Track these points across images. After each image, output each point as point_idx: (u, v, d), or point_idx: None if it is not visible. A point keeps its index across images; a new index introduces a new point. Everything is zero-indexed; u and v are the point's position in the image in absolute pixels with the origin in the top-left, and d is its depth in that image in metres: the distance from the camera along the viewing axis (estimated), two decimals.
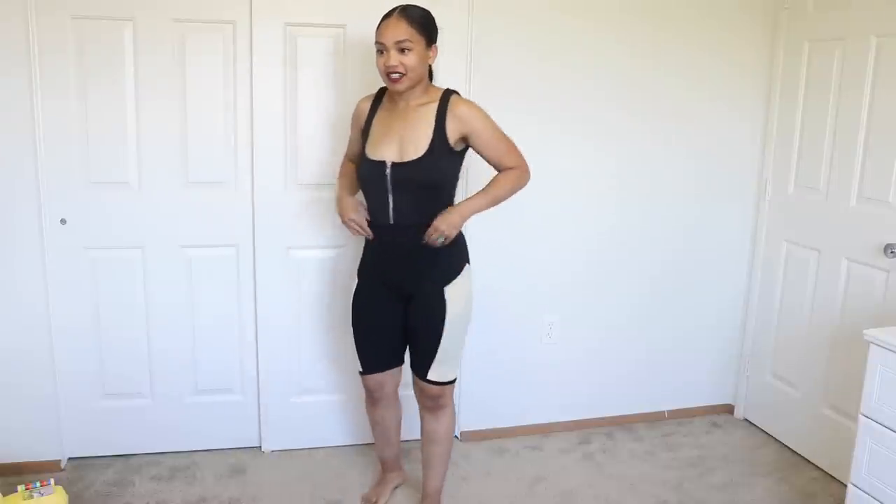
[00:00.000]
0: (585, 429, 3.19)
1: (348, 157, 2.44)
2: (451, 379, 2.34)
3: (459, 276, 2.26)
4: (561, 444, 3.07)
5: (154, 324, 2.76)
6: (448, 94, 2.19)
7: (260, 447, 2.93)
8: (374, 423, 2.55)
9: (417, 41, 2.09)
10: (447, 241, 2.17)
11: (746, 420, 3.32)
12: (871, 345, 2.15)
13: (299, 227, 2.75)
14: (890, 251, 2.53)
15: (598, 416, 3.22)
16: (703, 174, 3.12)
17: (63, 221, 2.61)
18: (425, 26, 2.12)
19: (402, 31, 2.07)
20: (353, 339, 2.40)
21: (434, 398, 2.34)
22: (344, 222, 2.29)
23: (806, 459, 2.96)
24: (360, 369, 2.42)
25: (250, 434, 2.93)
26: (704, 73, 3.02)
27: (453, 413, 2.43)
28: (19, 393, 2.65)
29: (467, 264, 2.31)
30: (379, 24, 2.12)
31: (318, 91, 2.67)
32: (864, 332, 2.18)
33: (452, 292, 2.24)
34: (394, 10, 2.12)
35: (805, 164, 2.94)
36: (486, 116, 2.19)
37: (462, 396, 3.05)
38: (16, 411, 2.66)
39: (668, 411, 3.31)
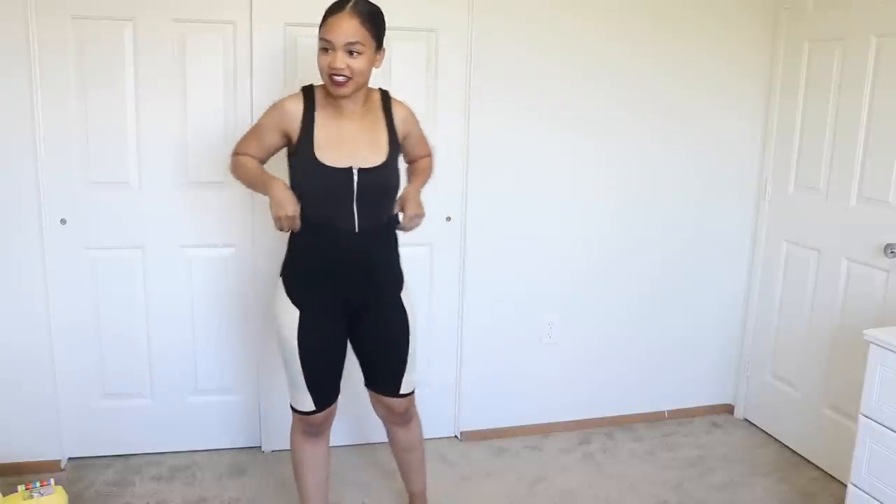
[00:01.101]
0: (585, 429, 3.19)
1: (244, 153, 2.10)
2: (414, 386, 2.27)
3: (405, 285, 2.22)
4: (561, 444, 3.07)
5: (154, 324, 2.76)
6: (384, 93, 2.11)
7: (260, 447, 2.93)
8: (309, 468, 2.24)
9: (368, 44, 1.90)
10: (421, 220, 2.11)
11: (746, 420, 3.31)
12: (871, 345, 2.15)
13: None
14: (890, 251, 2.53)
15: (598, 416, 3.22)
16: (703, 173, 3.13)
17: (63, 221, 2.61)
18: (377, 27, 1.94)
19: (353, 31, 1.87)
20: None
21: (404, 413, 2.26)
22: (283, 216, 1.93)
23: (806, 459, 2.96)
24: (310, 409, 2.13)
25: (250, 434, 2.93)
26: (704, 72, 3.02)
27: (418, 415, 2.37)
28: (19, 392, 2.65)
29: None
30: (326, 18, 1.90)
31: None
32: (864, 332, 2.18)
33: (405, 299, 2.19)
34: (343, 2, 1.90)
35: (805, 164, 2.94)
36: (415, 114, 2.20)
37: (462, 396, 3.05)
38: (16, 411, 2.66)
39: (668, 411, 3.31)
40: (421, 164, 2.28)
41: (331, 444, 2.96)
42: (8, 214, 2.54)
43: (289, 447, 2.88)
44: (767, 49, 3.06)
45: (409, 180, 2.24)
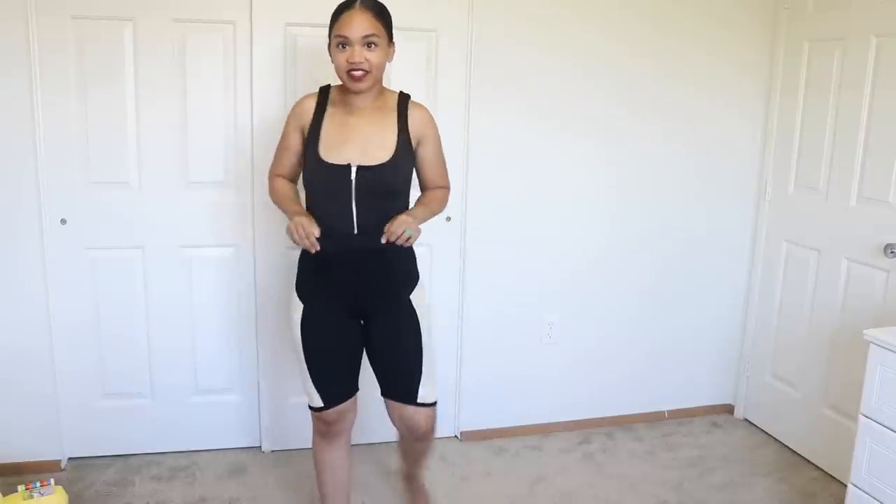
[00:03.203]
0: (585, 429, 3.19)
1: (278, 173, 2.14)
2: (436, 398, 2.16)
3: (419, 286, 2.15)
4: (561, 444, 3.07)
5: (154, 324, 2.76)
6: (404, 96, 2.09)
7: (260, 447, 2.93)
8: (325, 470, 2.22)
9: (382, 36, 1.94)
10: (414, 238, 1.99)
11: (746, 420, 3.31)
12: (871, 345, 2.15)
13: None
14: (890, 251, 2.53)
15: (598, 416, 3.22)
16: (703, 173, 3.12)
17: (63, 221, 2.61)
18: (388, 20, 1.98)
19: (368, 24, 1.91)
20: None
21: (424, 425, 2.13)
22: (303, 236, 1.93)
23: (806, 459, 2.96)
24: (318, 405, 2.11)
25: (250, 434, 2.93)
26: (704, 71, 3.02)
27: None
28: (19, 392, 2.65)
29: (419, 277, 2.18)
30: (339, 15, 1.94)
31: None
32: (864, 332, 2.18)
33: (417, 301, 2.12)
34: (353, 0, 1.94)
35: (805, 164, 2.94)
36: (437, 127, 2.13)
37: (462, 396, 3.05)
38: (16, 411, 2.66)
39: (668, 411, 3.31)
40: (430, 195, 2.16)
41: None
42: (8, 214, 2.54)
43: (289, 447, 2.92)
44: (767, 49, 3.06)
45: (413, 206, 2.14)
